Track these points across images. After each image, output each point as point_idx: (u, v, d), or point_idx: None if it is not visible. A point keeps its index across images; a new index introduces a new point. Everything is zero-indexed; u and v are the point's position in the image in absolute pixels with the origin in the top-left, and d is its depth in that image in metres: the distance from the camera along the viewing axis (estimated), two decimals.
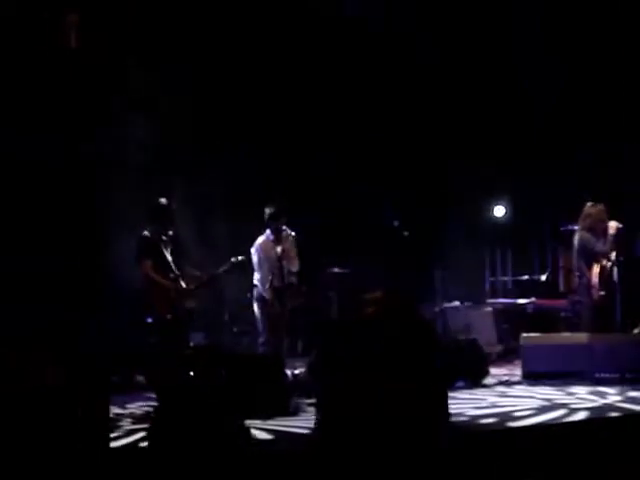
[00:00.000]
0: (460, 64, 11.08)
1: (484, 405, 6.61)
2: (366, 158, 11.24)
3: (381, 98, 11.30)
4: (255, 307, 8.28)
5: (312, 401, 6.62)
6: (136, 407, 7.12)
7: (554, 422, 5.85)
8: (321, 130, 11.35)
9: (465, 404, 6.56)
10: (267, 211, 8.21)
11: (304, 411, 6.45)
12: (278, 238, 8.21)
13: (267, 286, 8.11)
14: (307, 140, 11.35)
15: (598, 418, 5.94)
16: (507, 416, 6.07)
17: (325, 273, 9.38)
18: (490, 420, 5.95)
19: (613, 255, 8.35)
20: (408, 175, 11.41)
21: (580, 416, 6.01)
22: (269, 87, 10.91)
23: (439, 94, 11.31)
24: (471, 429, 5.53)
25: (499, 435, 5.48)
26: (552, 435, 5.46)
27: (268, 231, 8.25)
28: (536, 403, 6.59)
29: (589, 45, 10.55)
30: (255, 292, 8.27)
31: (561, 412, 6.16)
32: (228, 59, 10.58)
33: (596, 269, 8.33)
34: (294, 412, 6.46)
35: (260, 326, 8.21)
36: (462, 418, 5.85)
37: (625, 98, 10.64)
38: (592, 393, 7.08)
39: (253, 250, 8.29)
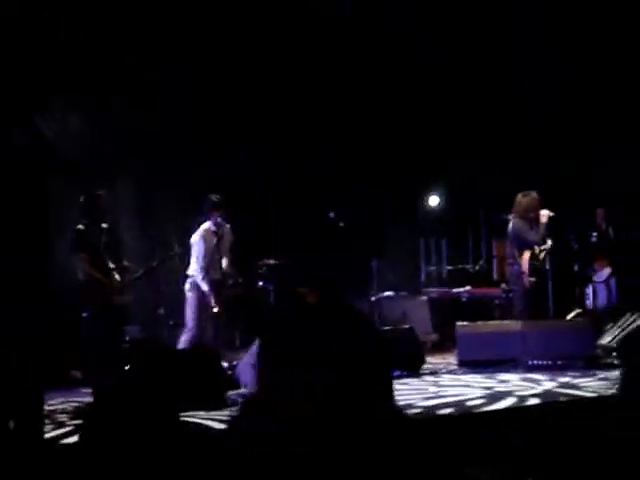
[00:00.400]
0: (460, 64, 11.08)
1: (430, 395, 6.48)
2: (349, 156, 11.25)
3: (381, 98, 11.32)
4: (190, 298, 8.16)
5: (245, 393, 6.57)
6: (72, 402, 6.98)
7: (519, 406, 5.85)
8: (321, 130, 11.36)
9: (409, 394, 6.46)
10: (211, 201, 8.19)
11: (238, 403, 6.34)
12: (218, 229, 8.21)
13: (205, 277, 8.05)
14: (307, 140, 11.36)
15: (552, 402, 5.95)
16: (463, 405, 5.94)
17: (261, 264, 9.36)
18: (448, 410, 5.81)
19: (549, 243, 8.38)
20: (343, 169, 11.41)
21: (534, 402, 6.00)
22: (269, 87, 10.92)
23: (438, 94, 11.32)
24: (435, 420, 5.49)
25: (467, 422, 5.46)
26: (524, 419, 5.45)
27: (210, 222, 8.22)
28: (480, 392, 6.49)
29: (589, 45, 10.55)
30: (190, 283, 8.17)
31: (513, 400, 6.07)
32: (228, 59, 10.59)
33: (527, 256, 8.39)
34: (232, 404, 6.32)
35: (191, 317, 8.10)
36: (416, 410, 5.76)
37: (625, 98, 10.64)
38: (525, 380, 7.05)
39: (197, 239, 8.19)
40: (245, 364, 7.15)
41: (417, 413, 5.63)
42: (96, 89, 9.90)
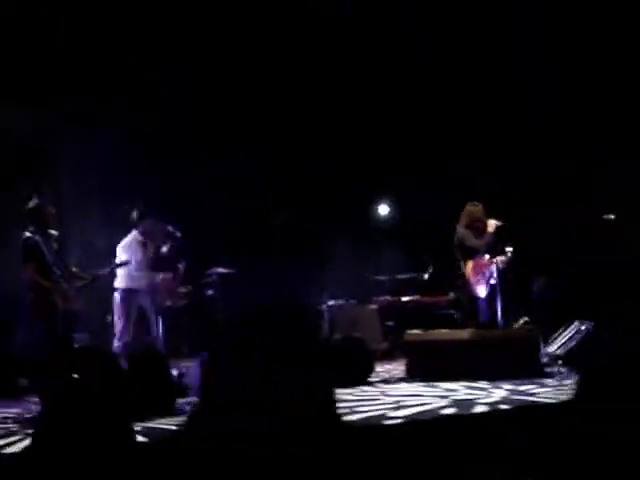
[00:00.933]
0: (460, 64, 11.08)
1: (393, 405, 6.26)
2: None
3: (380, 98, 11.32)
4: (118, 311, 8.18)
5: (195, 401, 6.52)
6: (21, 411, 6.91)
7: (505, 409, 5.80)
8: (321, 130, 11.36)
9: (370, 405, 6.30)
10: (137, 212, 8.34)
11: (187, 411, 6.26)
12: (144, 239, 8.32)
13: (135, 282, 8.15)
14: (307, 140, 11.36)
15: (529, 407, 5.92)
16: (438, 413, 5.79)
17: (210, 273, 9.35)
18: (426, 418, 5.65)
19: (509, 253, 8.36)
20: (295, 176, 11.43)
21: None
22: (269, 87, 10.92)
23: (438, 94, 11.32)
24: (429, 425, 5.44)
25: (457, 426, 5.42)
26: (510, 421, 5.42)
27: (137, 231, 8.35)
28: (441, 400, 6.36)
29: (589, 45, 10.54)
30: (119, 294, 8.20)
31: (483, 407, 5.94)
32: (228, 59, 10.59)
33: (471, 265, 8.45)
34: (181, 412, 6.24)
35: (122, 327, 8.13)
36: (393, 420, 5.58)
37: (625, 98, 10.64)
38: (471, 388, 6.99)
39: (125, 248, 8.28)
40: (195, 372, 7.15)
41: (400, 423, 5.49)
42: (96, 89, 9.91)
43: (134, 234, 8.36)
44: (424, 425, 5.41)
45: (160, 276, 8.33)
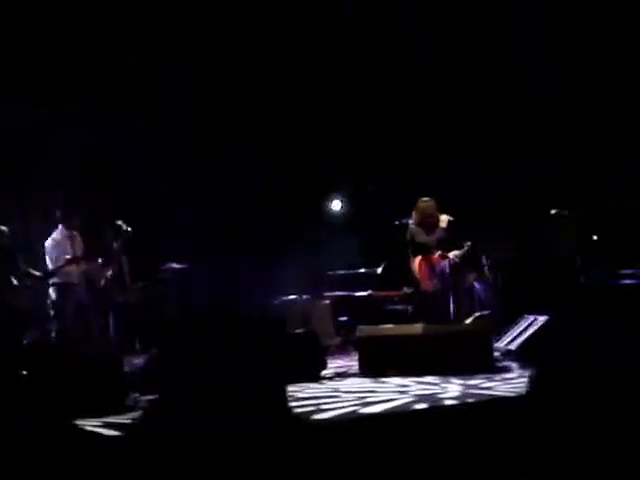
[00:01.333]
0: (460, 64, 11.07)
1: (357, 402, 6.07)
2: None
3: (380, 98, 11.32)
4: (55, 303, 8.29)
5: (149, 397, 6.38)
6: None
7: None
8: (321, 130, 11.36)
9: (334, 402, 6.13)
10: (59, 210, 8.49)
11: (141, 407, 6.01)
12: (74, 234, 8.46)
13: (63, 280, 8.23)
14: (307, 140, 11.37)
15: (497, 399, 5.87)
16: (408, 408, 5.70)
17: (164, 269, 9.28)
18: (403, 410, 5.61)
19: (466, 247, 8.35)
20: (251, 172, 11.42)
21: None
22: (269, 87, 10.93)
23: (438, 94, 11.32)
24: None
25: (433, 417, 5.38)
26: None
27: (62, 227, 8.46)
28: (403, 396, 6.23)
29: (589, 45, 10.54)
30: (55, 289, 8.30)
31: (452, 401, 5.88)
32: (228, 59, 10.60)
33: (419, 261, 8.47)
34: (132, 408, 6.14)
35: (60, 321, 8.25)
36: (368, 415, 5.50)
37: (625, 98, 10.63)
38: (422, 383, 6.87)
39: (54, 245, 8.41)
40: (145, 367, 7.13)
41: (382, 415, 5.45)
42: (96, 89, 9.92)
43: (60, 230, 8.48)
44: (414, 416, 5.37)
45: (98, 266, 8.40)
